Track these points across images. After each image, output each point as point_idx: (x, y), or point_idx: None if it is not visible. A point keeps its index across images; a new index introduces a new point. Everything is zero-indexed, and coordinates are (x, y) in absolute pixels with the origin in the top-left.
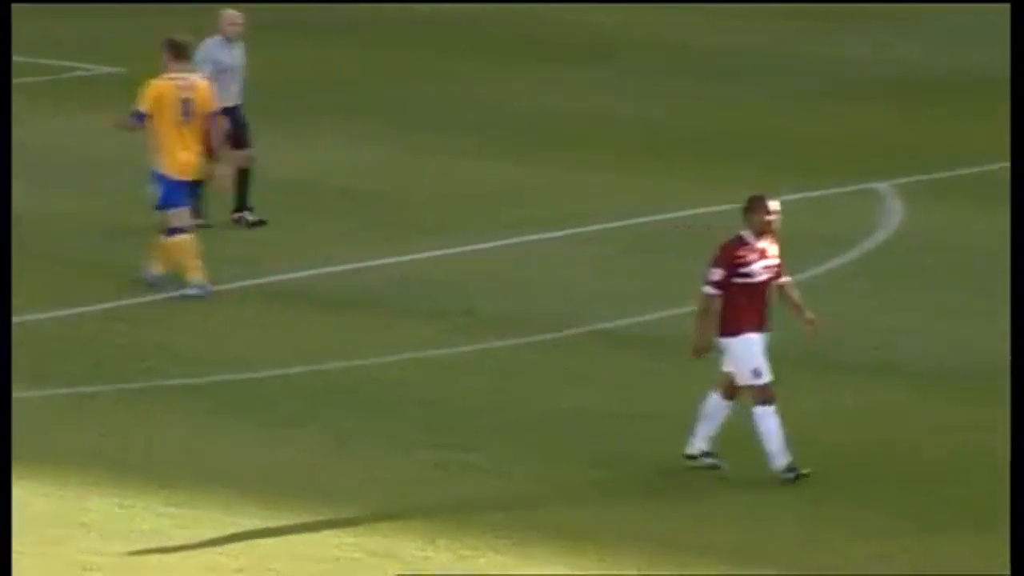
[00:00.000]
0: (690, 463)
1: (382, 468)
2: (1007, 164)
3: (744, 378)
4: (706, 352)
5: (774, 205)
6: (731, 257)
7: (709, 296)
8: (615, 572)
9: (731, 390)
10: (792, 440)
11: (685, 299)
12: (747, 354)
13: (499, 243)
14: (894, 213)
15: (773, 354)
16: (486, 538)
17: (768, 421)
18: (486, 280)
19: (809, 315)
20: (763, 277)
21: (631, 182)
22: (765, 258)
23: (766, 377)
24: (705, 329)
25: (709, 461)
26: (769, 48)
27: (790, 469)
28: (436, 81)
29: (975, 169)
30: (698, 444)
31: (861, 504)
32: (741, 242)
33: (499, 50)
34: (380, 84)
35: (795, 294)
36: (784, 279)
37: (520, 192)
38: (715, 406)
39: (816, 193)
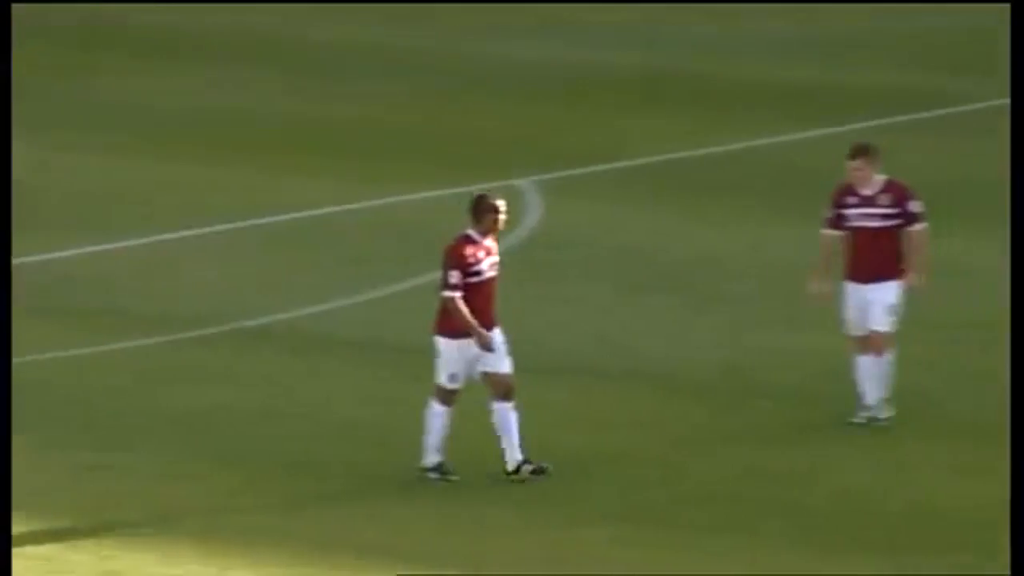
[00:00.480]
0: (515, 478)
1: (28, 469)
2: (655, 159)
3: (440, 376)
4: (493, 342)
5: (502, 203)
6: (463, 256)
7: (454, 298)
8: (262, 569)
9: (504, 389)
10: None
11: (326, 296)
12: (453, 358)
13: (143, 241)
14: (533, 209)
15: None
16: (127, 538)
17: (438, 420)
18: (130, 278)
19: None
20: (491, 275)
21: (272, 180)
22: (491, 255)
23: (458, 384)
24: (475, 324)
25: (530, 468)
26: (410, 45)
27: (435, 469)
28: (73, 78)
29: (617, 165)
30: (514, 456)
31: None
32: (469, 241)
33: (141, 48)
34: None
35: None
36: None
37: (163, 189)
38: (503, 413)
39: (456, 190)
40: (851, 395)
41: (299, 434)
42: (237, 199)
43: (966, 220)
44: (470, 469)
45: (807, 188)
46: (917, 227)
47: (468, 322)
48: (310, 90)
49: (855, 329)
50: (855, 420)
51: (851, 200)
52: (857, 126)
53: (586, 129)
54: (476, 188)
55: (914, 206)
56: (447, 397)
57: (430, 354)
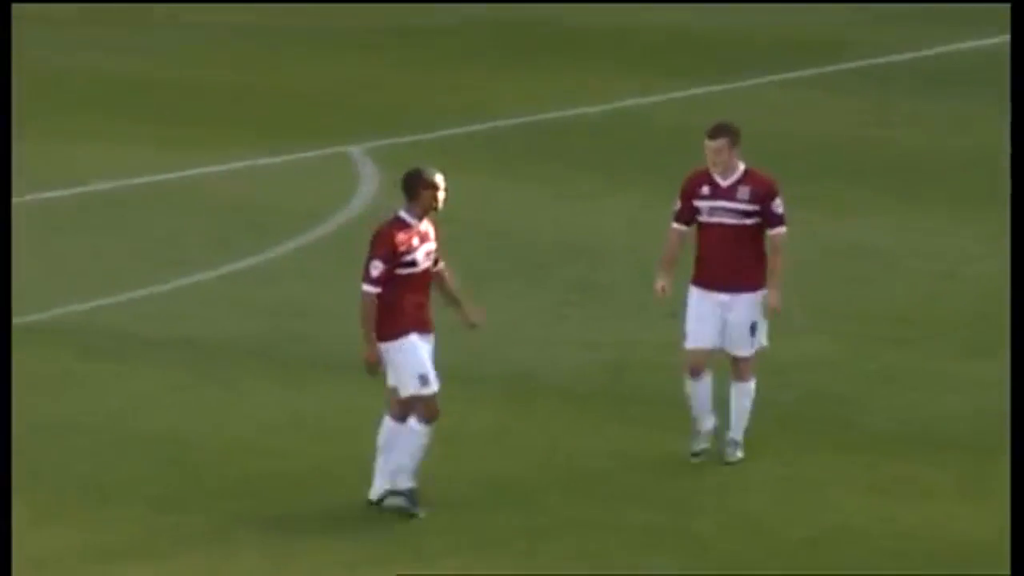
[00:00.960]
0: (376, 509)
1: None
2: (496, 123)
3: (408, 388)
4: (380, 366)
5: (440, 178)
6: (393, 244)
7: (372, 296)
8: None
9: (405, 408)
10: (256, 450)
11: (122, 286)
12: (412, 359)
13: None
14: (368, 182)
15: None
16: None
17: (421, 440)
18: None
19: (470, 309)
20: (426, 265)
21: (56, 148)
22: (427, 242)
23: (434, 386)
24: (374, 338)
25: (397, 503)
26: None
27: (408, 496)
28: None
29: (469, 130)
30: (379, 485)
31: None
32: (402, 224)
33: None
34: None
35: (453, 283)
36: (440, 265)
37: None
38: (392, 433)
39: (279, 159)
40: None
41: (94, 450)
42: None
43: (871, 190)
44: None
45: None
46: (779, 231)
47: (367, 327)
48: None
49: (696, 341)
50: (697, 448)
51: (704, 190)
52: (759, 80)
53: (432, 88)
54: (304, 156)
55: (777, 205)
56: (431, 412)
57: (257, 353)
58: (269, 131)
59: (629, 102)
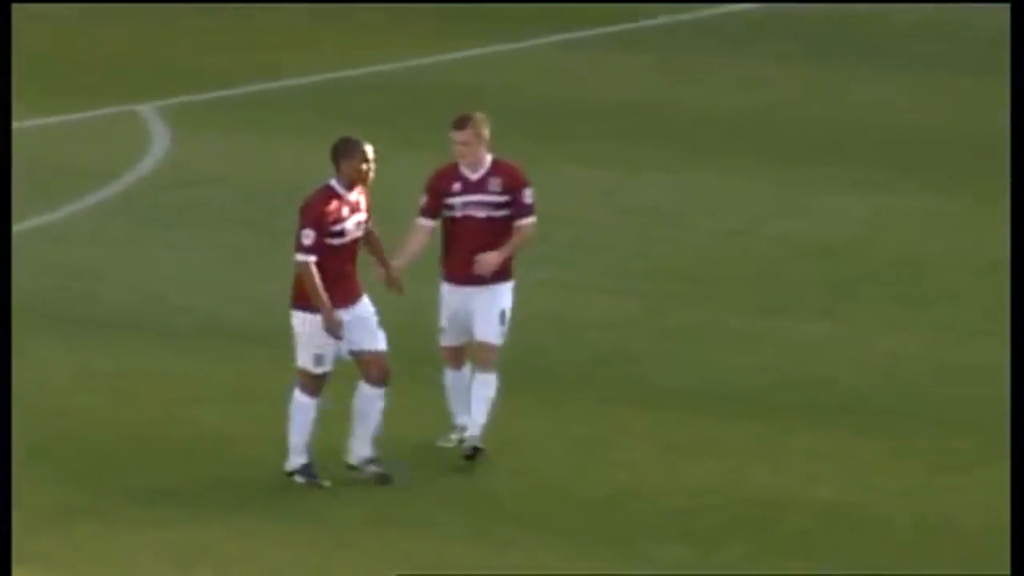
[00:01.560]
0: (354, 474)
1: None
2: (288, 82)
3: (302, 362)
4: (341, 327)
5: (370, 148)
6: (322, 214)
7: (307, 264)
8: None
9: (379, 372)
10: (43, 411)
11: None
12: (316, 336)
13: None
14: (159, 140)
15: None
16: None
17: (304, 415)
18: None
19: (395, 266)
20: (355, 235)
21: None
22: (358, 212)
23: (327, 367)
24: (327, 300)
25: (373, 469)
26: None
27: (303, 471)
28: None
29: (257, 88)
30: (356, 451)
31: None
32: (332, 194)
33: None
34: None
35: (379, 243)
36: (370, 226)
37: None
38: (370, 399)
39: (69, 117)
40: (535, 354)
41: None
42: None
43: (666, 150)
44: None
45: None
46: (527, 221)
47: (317, 295)
48: None
49: (449, 340)
50: (443, 443)
51: (456, 187)
52: (549, 40)
53: (225, 48)
54: (96, 114)
55: (526, 196)
56: (314, 385)
57: (47, 313)
58: (58, 90)
59: (416, 62)
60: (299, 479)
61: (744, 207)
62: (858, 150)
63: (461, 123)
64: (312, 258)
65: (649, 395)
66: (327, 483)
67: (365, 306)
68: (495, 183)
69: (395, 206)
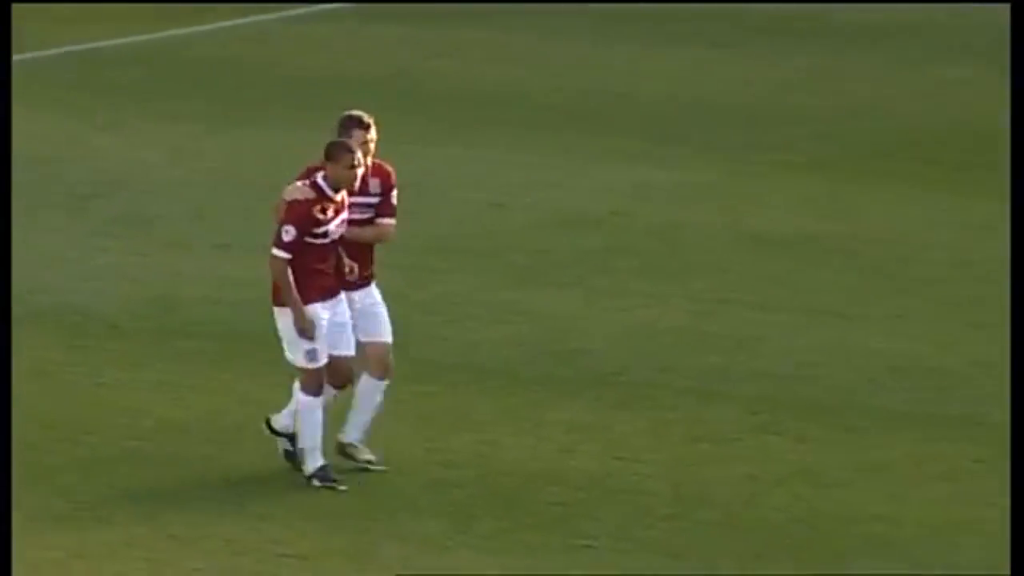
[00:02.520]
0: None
1: None
2: (38, 54)
3: (295, 359)
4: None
5: (359, 157)
6: (307, 215)
7: (284, 261)
8: None
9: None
10: None
11: None
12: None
13: None
14: None
15: None
16: None
17: (316, 414)
18: None
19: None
20: (337, 235)
21: None
22: (342, 212)
23: (322, 360)
24: (297, 299)
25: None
26: None
27: (322, 476)
28: None
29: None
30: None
31: None
32: (320, 194)
33: None
34: None
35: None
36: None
37: None
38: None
39: None
40: None
41: None
42: None
43: (422, 121)
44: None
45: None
46: (390, 222)
47: (289, 292)
48: None
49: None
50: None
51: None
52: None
53: None
54: None
55: (394, 196)
56: (315, 380)
57: None
58: None
59: (171, 33)
60: (316, 483)
61: (500, 179)
62: (615, 122)
63: (369, 122)
64: (289, 255)
65: (406, 368)
66: (343, 487)
67: (374, 294)
68: (375, 183)
69: (147, 179)
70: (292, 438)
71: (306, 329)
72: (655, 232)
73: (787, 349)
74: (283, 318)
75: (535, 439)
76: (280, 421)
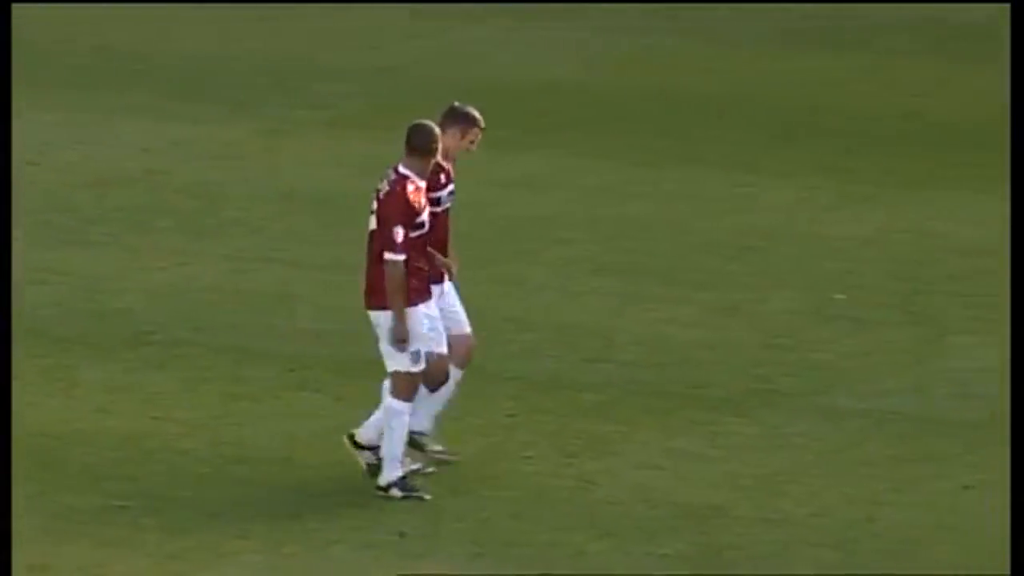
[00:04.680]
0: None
1: None
2: None
3: (397, 362)
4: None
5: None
6: (411, 207)
7: (399, 264)
8: None
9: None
10: None
11: None
12: (412, 333)
13: None
14: None
15: None
16: None
17: (405, 421)
18: None
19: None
20: (428, 227)
21: None
22: (428, 203)
23: (422, 364)
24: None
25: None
26: None
27: (402, 486)
28: None
29: None
30: (366, 433)
31: None
32: (414, 185)
33: None
34: None
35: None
36: None
37: None
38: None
39: None
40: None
41: None
42: None
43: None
44: None
45: None
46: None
47: (399, 302)
48: None
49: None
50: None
51: (443, 179)
52: None
53: None
54: None
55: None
56: (411, 387)
57: None
58: None
59: None
60: (396, 492)
61: (33, 137)
62: (145, 79)
63: (479, 119)
64: (404, 257)
65: None
66: (428, 496)
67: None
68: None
69: None
70: (377, 450)
71: (402, 336)
72: (191, 190)
73: (324, 307)
74: (384, 321)
75: (70, 399)
76: (365, 435)
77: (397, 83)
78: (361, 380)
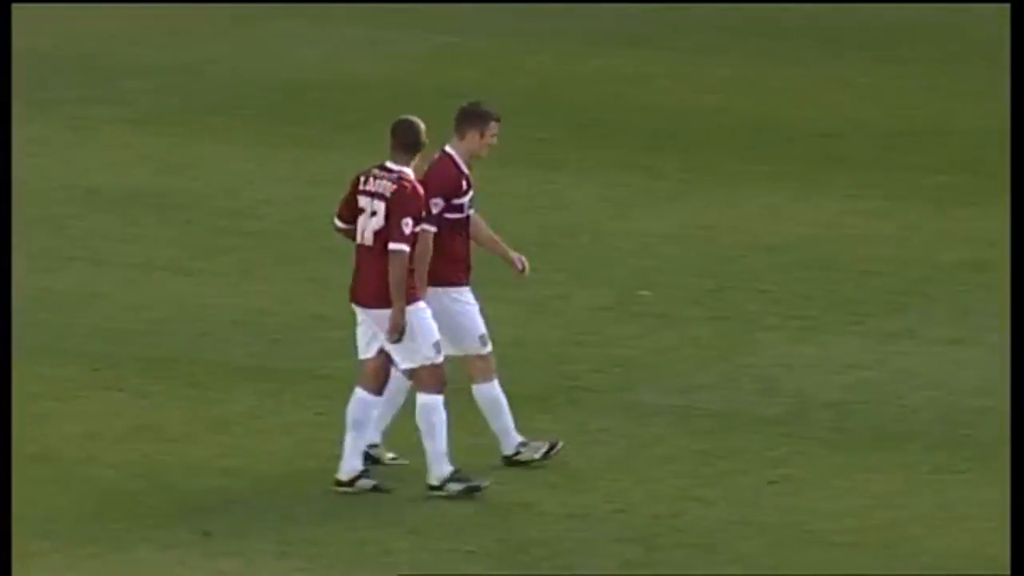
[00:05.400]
0: (342, 489)
1: None
2: None
3: (420, 356)
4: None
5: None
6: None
7: (404, 255)
8: None
9: (382, 379)
10: None
11: None
12: (423, 326)
13: None
14: None
15: None
16: None
17: (442, 414)
18: None
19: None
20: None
21: None
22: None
23: (442, 352)
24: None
25: (365, 482)
26: None
27: (458, 479)
28: None
29: None
30: (351, 465)
31: None
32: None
33: None
34: None
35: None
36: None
37: None
38: (367, 407)
39: None
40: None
41: None
42: None
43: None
44: None
45: None
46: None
47: (403, 284)
48: None
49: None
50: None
51: (464, 185)
52: None
53: None
54: None
55: None
56: (438, 378)
57: None
58: None
59: None
60: (453, 487)
61: None
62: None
63: (498, 114)
64: (434, 229)
65: None
66: (487, 482)
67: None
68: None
69: None
70: (375, 455)
71: (400, 328)
72: None
73: (128, 305)
74: (412, 312)
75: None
76: (347, 467)
77: (203, 81)
78: (166, 379)
